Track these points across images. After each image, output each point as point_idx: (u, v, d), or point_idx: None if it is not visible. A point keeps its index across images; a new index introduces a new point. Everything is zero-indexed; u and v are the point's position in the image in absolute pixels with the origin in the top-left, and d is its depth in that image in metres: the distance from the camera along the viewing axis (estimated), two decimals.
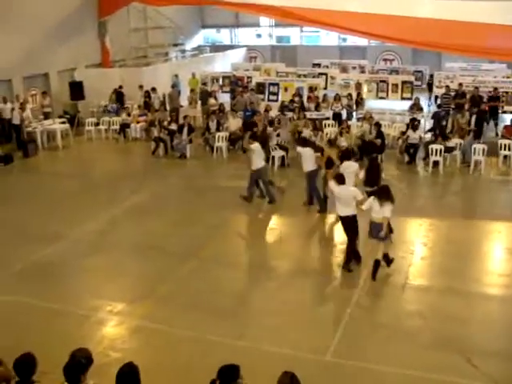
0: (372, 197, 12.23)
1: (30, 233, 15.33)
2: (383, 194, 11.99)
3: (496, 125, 24.14)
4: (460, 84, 26.06)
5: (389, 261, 12.42)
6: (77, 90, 27.62)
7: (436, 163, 19.87)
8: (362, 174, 14.43)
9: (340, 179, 12.50)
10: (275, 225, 15.87)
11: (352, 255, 12.67)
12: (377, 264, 12.09)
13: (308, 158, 16.08)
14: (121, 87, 28.22)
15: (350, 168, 14.48)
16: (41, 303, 11.53)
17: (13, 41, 25.63)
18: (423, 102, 25.61)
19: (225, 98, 29.22)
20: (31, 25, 26.76)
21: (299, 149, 16.57)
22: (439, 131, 21.32)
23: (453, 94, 25.71)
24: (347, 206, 12.42)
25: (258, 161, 16.67)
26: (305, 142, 16.96)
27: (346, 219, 12.52)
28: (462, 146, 20.37)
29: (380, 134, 20.80)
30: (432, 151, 19.91)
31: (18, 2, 26.26)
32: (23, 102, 24.95)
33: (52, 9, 28.16)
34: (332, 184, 12.68)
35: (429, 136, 21.73)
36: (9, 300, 11.73)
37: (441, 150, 19.84)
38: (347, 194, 12.42)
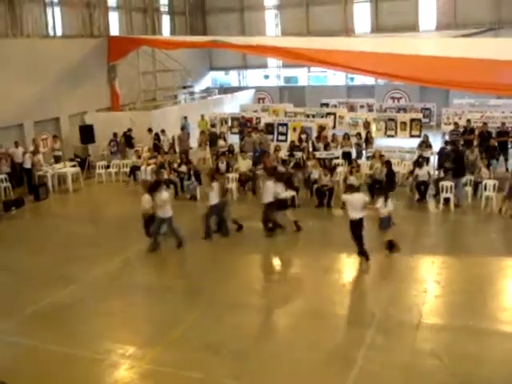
0: (381, 198, 15.35)
1: (41, 276, 15.35)
2: (385, 195, 15.38)
3: (506, 160, 24.11)
4: (468, 120, 26.15)
5: (392, 246, 15.36)
6: (87, 133, 27.87)
7: (447, 200, 19.80)
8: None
9: (351, 188, 15.70)
10: (288, 265, 15.77)
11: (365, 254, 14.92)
12: (390, 243, 15.36)
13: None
14: (130, 130, 28.43)
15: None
16: (53, 347, 11.49)
17: (24, 86, 26.08)
18: (432, 140, 25.63)
19: (234, 140, 29.38)
20: (42, 71, 27.27)
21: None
22: (456, 166, 20.97)
23: (461, 130, 25.80)
24: (358, 211, 14.90)
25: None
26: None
27: (358, 221, 14.91)
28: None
29: (390, 173, 20.81)
30: (442, 188, 19.88)
31: (29, 50, 26.77)
32: (36, 146, 25.25)
33: (63, 55, 28.70)
34: (345, 196, 15.46)
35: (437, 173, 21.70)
36: (22, 344, 11.72)
37: (451, 187, 19.80)
38: (359, 199, 15.04)
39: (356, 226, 15.03)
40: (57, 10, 30.39)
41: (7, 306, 13.63)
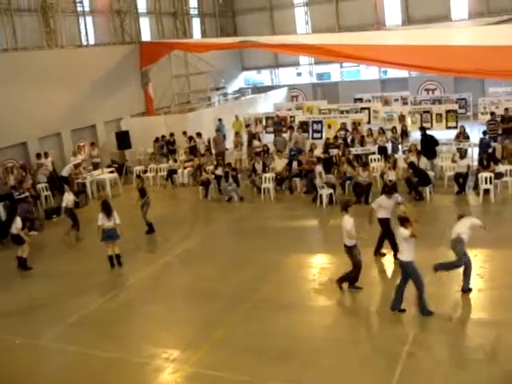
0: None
1: (85, 282, 15.59)
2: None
3: None
4: (506, 109, 25.73)
5: None
6: (123, 139, 28.23)
7: (486, 191, 19.53)
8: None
9: (390, 190, 15.46)
10: (328, 264, 15.72)
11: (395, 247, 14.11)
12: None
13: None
14: (172, 134, 28.61)
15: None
16: (99, 353, 11.67)
17: (61, 96, 26.53)
18: (469, 130, 25.30)
19: (269, 139, 29.40)
20: (77, 80, 27.68)
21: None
22: (488, 157, 20.88)
23: (499, 119, 25.40)
24: (388, 212, 14.91)
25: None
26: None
27: (388, 221, 14.89)
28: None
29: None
30: (482, 179, 19.61)
31: (64, 60, 27.19)
32: (75, 153, 26.02)
33: (97, 63, 29.07)
34: (382, 199, 15.16)
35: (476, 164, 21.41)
36: (68, 351, 11.93)
37: (490, 178, 19.52)
38: (391, 204, 14.97)
39: (386, 224, 15.02)
40: (88, 19, 30.85)
41: (52, 313, 13.87)
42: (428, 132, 23.85)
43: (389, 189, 15.89)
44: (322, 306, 13.18)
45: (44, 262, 17.60)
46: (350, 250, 13.37)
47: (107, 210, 16.36)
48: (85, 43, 30.29)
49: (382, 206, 14.96)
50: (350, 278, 13.50)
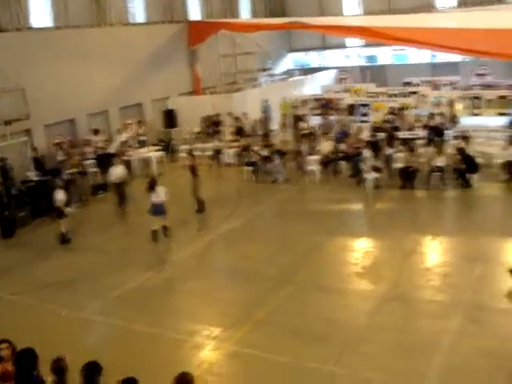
0: None
1: (130, 259, 15.85)
2: None
3: None
4: None
5: None
6: (170, 118, 28.39)
7: None
8: None
9: None
10: (371, 248, 15.63)
11: None
12: None
13: None
14: (218, 115, 28.69)
15: None
16: (140, 327, 11.83)
17: (109, 74, 26.80)
18: None
19: (315, 121, 29.20)
20: (125, 58, 27.90)
21: None
22: None
23: None
24: None
25: None
26: None
27: None
28: None
29: (467, 157, 20.14)
30: None
31: (113, 38, 27.38)
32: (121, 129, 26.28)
33: (145, 41, 29.24)
34: None
35: None
36: (109, 324, 12.18)
37: None
38: None
39: None
40: None
41: (96, 287, 14.14)
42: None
43: None
44: (364, 290, 13.11)
45: (88, 237, 17.93)
46: None
47: (153, 186, 16.57)
48: (134, 22, 30.38)
49: None
50: None
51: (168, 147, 27.75)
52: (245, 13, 40.52)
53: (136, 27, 30.23)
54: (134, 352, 10.84)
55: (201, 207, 19.32)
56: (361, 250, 15.45)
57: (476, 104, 28.08)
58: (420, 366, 9.77)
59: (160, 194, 16.61)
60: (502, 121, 24.97)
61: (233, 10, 38.16)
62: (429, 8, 37.85)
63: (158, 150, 26.71)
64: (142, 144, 27.13)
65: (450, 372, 9.56)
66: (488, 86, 31.95)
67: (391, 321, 11.48)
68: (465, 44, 21.45)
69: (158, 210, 16.57)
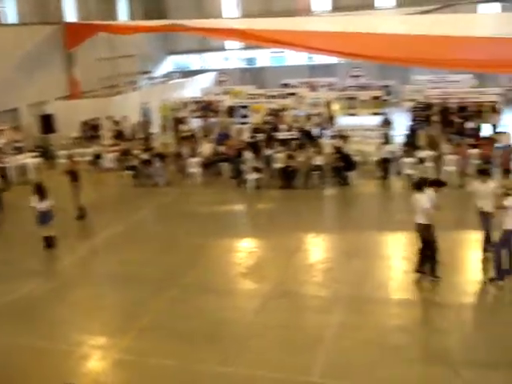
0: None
1: (6, 270, 15.11)
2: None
3: None
4: (427, 96, 26.40)
5: None
6: (48, 123, 27.54)
7: (409, 176, 19.98)
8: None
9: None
10: (256, 247, 15.81)
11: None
12: None
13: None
14: (96, 119, 28.11)
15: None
16: (24, 341, 11.37)
17: None
18: (393, 117, 25.80)
19: (196, 124, 29.23)
20: None
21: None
22: (410, 143, 21.45)
23: (422, 106, 26.07)
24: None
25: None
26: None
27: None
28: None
29: (345, 156, 20.87)
30: (403, 165, 20.08)
31: None
32: None
33: (18, 43, 28.14)
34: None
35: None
36: None
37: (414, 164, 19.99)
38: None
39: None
40: None
41: None
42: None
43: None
44: (250, 290, 13.25)
45: None
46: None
47: (41, 192, 15.99)
48: (5, 22, 29.21)
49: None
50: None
51: (46, 153, 26.90)
52: (123, 15, 39.99)
53: (7, 28, 29.04)
54: (17, 368, 10.40)
55: (82, 214, 18.86)
56: (245, 250, 15.60)
57: (351, 104, 29.10)
58: (306, 360, 9.98)
59: (46, 201, 15.99)
60: (376, 120, 26.02)
61: (110, 12, 37.55)
62: (306, 12, 38.86)
63: (36, 157, 25.82)
64: (19, 150, 26.15)
65: (334, 365, 9.82)
66: (362, 87, 33.24)
67: (277, 318, 11.67)
68: (338, 46, 22.22)
69: (45, 217, 15.95)
